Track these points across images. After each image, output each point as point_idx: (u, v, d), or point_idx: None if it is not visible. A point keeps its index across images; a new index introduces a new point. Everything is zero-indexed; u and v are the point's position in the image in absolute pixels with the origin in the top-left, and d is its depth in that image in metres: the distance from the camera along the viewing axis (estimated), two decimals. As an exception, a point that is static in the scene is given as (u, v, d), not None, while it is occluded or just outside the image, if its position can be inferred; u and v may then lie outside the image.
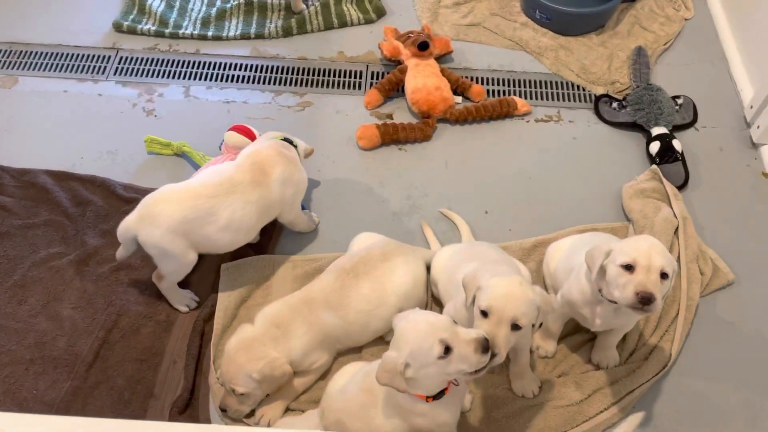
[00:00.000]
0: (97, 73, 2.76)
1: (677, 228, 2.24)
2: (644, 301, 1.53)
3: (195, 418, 1.91)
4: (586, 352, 2.02)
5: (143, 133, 2.50)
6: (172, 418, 1.89)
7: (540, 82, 2.78)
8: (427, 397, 1.51)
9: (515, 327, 1.53)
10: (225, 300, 2.08)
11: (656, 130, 2.51)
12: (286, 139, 2.13)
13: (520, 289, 1.55)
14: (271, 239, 2.27)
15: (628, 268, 1.57)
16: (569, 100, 2.72)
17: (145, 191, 2.09)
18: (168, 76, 2.75)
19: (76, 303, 2.09)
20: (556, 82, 2.78)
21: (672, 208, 2.30)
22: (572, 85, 2.77)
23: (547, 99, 2.73)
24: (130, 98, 2.67)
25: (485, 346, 1.42)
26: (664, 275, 1.57)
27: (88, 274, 2.16)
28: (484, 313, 1.54)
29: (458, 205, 2.35)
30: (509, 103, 2.62)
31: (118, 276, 2.15)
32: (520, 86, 2.76)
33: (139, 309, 2.09)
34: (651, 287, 1.54)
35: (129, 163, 2.45)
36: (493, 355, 1.47)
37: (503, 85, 2.76)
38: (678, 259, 2.18)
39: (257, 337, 1.81)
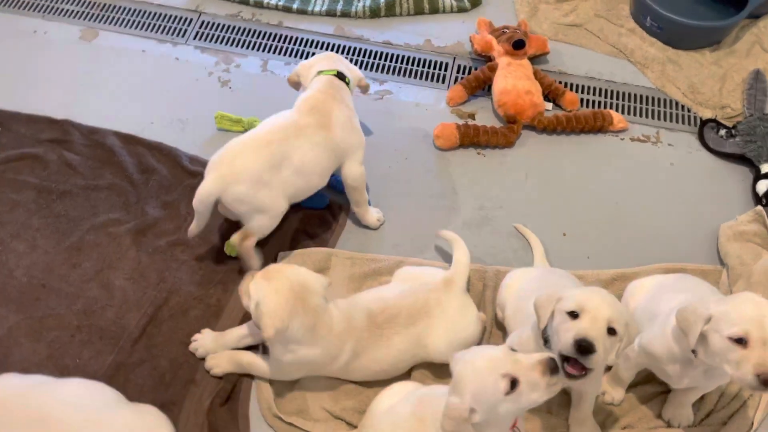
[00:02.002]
0: (178, 35, 2.69)
1: (778, 281, 2.02)
2: (767, 382, 1.36)
3: (234, 412, 1.84)
4: (657, 406, 1.84)
5: (216, 104, 2.42)
6: (212, 408, 1.83)
7: (641, 96, 2.55)
8: (488, 445, 1.38)
9: (611, 331, 1.41)
10: (278, 292, 1.99)
11: (767, 168, 2.26)
12: (339, 74, 2.07)
13: (611, 296, 1.47)
14: (333, 233, 2.16)
15: (740, 341, 1.39)
16: (671, 120, 2.49)
17: (212, 164, 2.01)
18: (247, 47, 2.66)
19: (130, 274, 2.05)
20: (659, 99, 2.54)
21: (774, 257, 2.06)
22: (677, 104, 2.53)
23: (647, 117, 2.50)
24: (207, 66, 2.59)
25: (552, 366, 1.31)
26: (611, 330, 1.42)
27: (144, 245, 2.10)
28: (574, 315, 1.42)
29: (534, 222, 2.18)
30: (604, 117, 2.41)
31: (174, 252, 2.09)
32: (618, 99, 2.54)
33: (190, 289, 2.02)
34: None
35: (198, 134, 2.38)
36: (591, 353, 1.37)
37: (600, 95, 2.55)
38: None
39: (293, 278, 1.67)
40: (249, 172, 1.86)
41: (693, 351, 1.50)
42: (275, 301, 1.62)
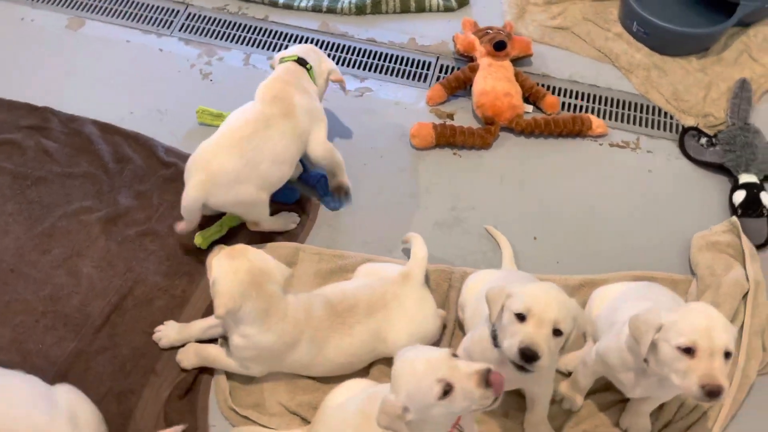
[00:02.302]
0: (163, 26, 2.70)
1: (747, 293, 1.99)
2: (712, 394, 1.34)
3: (193, 404, 1.84)
4: (616, 414, 1.82)
5: (196, 96, 2.44)
6: (170, 399, 1.84)
7: (623, 102, 2.52)
8: (424, 443, 1.38)
9: (557, 332, 1.41)
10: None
11: (744, 178, 2.23)
12: (300, 60, 2.08)
13: (559, 294, 1.45)
14: (304, 228, 2.16)
15: (688, 351, 1.38)
16: (652, 126, 2.46)
17: (186, 157, 2.01)
18: (232, 40, 2.67)
19: (98, 263, 2.06)
20: (642, 105, 2.51)
21: (745, 269, 2.04)
22: (659, 110, 2.50)
23: (628, 122, 2.47)
24: (189, 58, 2.60)
25: (487, 379, 1.30)
26: (727, 355, 1.38)
27: (114, 234, 2.12)
28: (521, 317, 1.41)
29: (506, 225, 2.16)
30: (583, 121, 2.39)
31: (143, 242, 2.10)
32: (600, 103, 2.52)
33: (156, 280, 2.03)
34: (719, 377, 1.35)
35: (176, 125, 2.39)
36: (536, 359, 1.37)
37: (582, 99, 2.53)
38: (740, 329, 1.94)
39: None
40: (226, 174, 1.87)
41: (645, 360, 1.49)
42: (231, 281, 1.64)
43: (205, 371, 1.88)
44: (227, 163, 1.87)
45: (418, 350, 1.37)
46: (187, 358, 1.86)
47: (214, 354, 1.84)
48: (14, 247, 2.08)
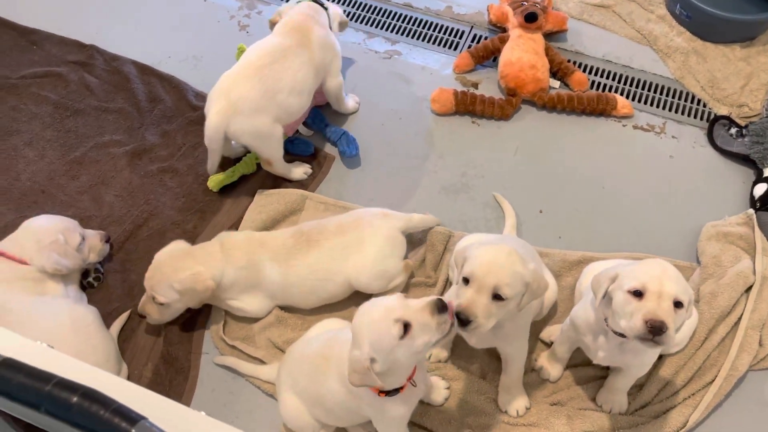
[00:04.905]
0: (211, -23, 2.81)
1: (751, 287, 1.94)
2: (654, 330, 1.34)
3: (191, 331, 1.96)
4: (593, 390, 1.83)
5: (232, 47, 2.50)
6: (170, 324, 1.96)
7: (655, 85, 2.46)
8: (380, 392, 1.43)
9: (497, 297, 1.42)
10: (247, 224, 2.09)
11: (769, 172, 2.15)
12: (316, 0, 2.15)
13: (508, 259, 1.44)
14: (315, 179, 2.23)
15: (637, 294, 1.39)
16: (681, 112, 2.40)
17: (215, 102, 2.11)
18: (273, -5, 2.75)
19: (119, 192, 2.20)
20: (674, 90, 2.44)
21: (754, 263, 1.98)
22: (692, 97, 2.43)
23: (656, 106, 2.41)
24: (230, 9, 2.69)
25: (440, 305, 1.34)
26: (678, 304, 1.38)
27: (138, 168, 2.25)
28: (466, 281, 1.44)
29: (513, 196, 2.17)
30: (608, 100, 2.35)
31: (162, 177, 2.23)
32: (630, 85, 2.46)
33: (170, 214, 2.15)
34: (662, 315, 1.35)
35: (208, 72, 2.48)
36: (469, 323, 1.39)
37: (613, 80, 2.48)
38: (737, 321, 1.89)
39: (190, 252, 1.83)
40: (248, 101, 1.94)
41: (606, 321, 1.50)
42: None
43: (207, 306, 1.98)
44: (247, 91, 1.94)
45: (371, 302, 1.40)
46: None
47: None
48: (47, 171, 2.24)
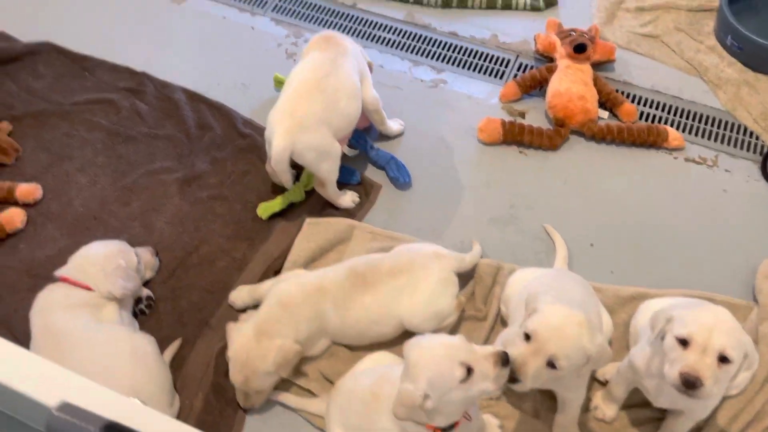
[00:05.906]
0: (258, 5, 2.85)
1: (811, 328, 1.89)
2: (688, 384, 1.32)
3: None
4: None
5: (279, 73, 2.55)
6: (221, 352, 1.95)
7: (705, 117, 2.43)
8: (436, 428, 1.41)
9: (551, 365, 1.39)
10: (296, 253, 2.09)
11: (828, 208, 2.10)
12: None
13: (575, 331, 1.39)
14: (362, 209, 2.23)
15: (683, 342, 1.36)
16: (734, 145, 2.36)
17: (262, 130, 2.13)
18: (319, 23, 2.77)
19: (170, 219, 2.22)
20: (726, 122, 2.41)
21: (814, 303, 1.93)
22: (744, 129, 2.39)
23: (708, 138, 2.38)
24: (277, 37, 2.73)
25: (504, 359, 1.34)
26: (723, 359, 1.34)
27: (188, 195, 2.27)
28: (527, 336, 1.41)
29: (562, 228, 2.14)
30: (659, 132, 2.32)
31: (212, 205, 2.24)
32: (680, 116, 2.44)
33: (220, 241, 2.16)
34: (701, 370, 1.32)
35: (256, 99, 2.52)
36: (516, 380, 1.37)
37: (662, 110, 2.45)
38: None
39: (259, 327, 1.77)
40: (312, 116, 1.97)
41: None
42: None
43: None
44: (310, 106, 1.97)
45: (432, 338, 1.40)
46: (240, 297, 1.99)
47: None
48: (99, 197, 2.27)
